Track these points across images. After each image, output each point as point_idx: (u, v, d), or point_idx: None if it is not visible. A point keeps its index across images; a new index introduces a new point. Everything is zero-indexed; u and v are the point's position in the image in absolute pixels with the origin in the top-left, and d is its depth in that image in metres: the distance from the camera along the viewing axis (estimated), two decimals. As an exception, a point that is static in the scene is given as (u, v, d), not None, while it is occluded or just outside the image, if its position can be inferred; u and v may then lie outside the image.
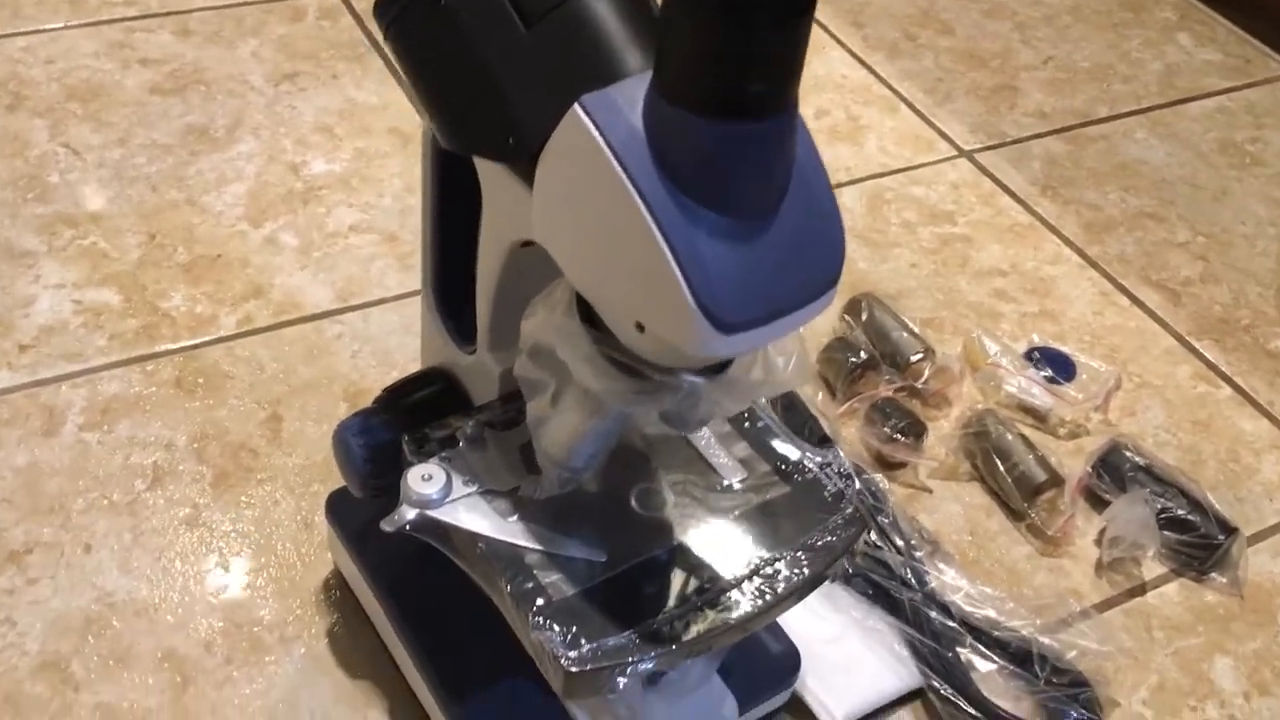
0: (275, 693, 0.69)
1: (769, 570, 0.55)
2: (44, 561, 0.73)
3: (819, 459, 0.60)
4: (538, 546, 0.53)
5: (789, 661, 0.68)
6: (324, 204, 0.99)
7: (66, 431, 0.80)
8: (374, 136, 1.06)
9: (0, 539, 0.74)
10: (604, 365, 0.48)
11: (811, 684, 0.70)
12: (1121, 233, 1.07)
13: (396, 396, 0.63)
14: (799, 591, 0.55)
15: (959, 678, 0.70)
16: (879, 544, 0.76)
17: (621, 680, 0.51)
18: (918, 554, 0.76)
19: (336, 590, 0.74)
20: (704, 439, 0.60)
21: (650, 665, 0.51)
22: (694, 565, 0.55)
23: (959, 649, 0.72)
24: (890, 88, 1.21)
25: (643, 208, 0.42)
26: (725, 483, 0.58)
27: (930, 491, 0.84)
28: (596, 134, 0.42)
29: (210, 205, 0.98)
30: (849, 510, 0.57)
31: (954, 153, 1.14)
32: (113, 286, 0.90)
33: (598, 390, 0.49)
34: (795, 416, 0.82)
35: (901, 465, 0.84)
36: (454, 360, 0.63)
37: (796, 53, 0.42)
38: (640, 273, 0.43)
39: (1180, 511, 0.80)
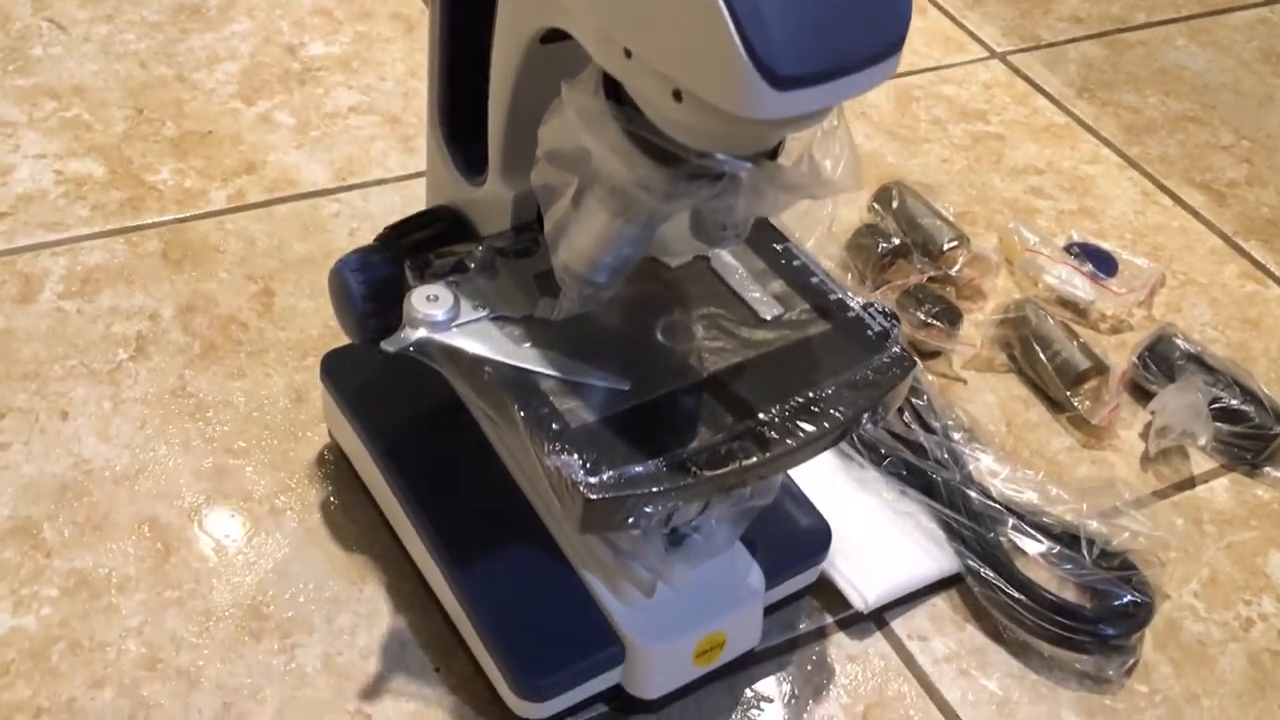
0: (265, 563, 0.63)
1: (807, 407, 0.49)
2: (17, 427, 0.68)
3: (860, 300, 0.54)
4: (554, 373, 0.48)
5: (819, 537, 0.63)
6: (322, 85, 0.94)
7: (44, 299, 0.75)
8: (376, 21, 1.01)
9: (-30, 404, 0.69)
10: (634, 152, 0.43)
11: (841, 565, 0.65)
12: (1163, 135, 1.02)
13: (399, 233, 0.58)
14: (840, 430, 0.50)
15: (1001, 560, 0.65)
16: (913, 425, 0.71)
17: (645, 513, 0.46)
18: (955, 436, 0.71)
19: (331, 464, 0.68)
20: (738, 274, 0.54)
21: (674, 501, 0.46)
22: (726, 399, 0.50)
23: (1000, 532, 0.66)
24: (918, -10, 1.15)
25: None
26: (760, 317, 0.53)
27: (965, 382, 0.79)
28: None
29: (201, 82, 0.92)
30: (895, 349, 0.52)
31: (986, 54, 1.08)
32: (96, 158, 0.85)
33: (627, 182, 0.44)
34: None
35: (935, 354, 0.79)
36: (463, 196, 0.58)
37: None
38: (683, 19, 0.38)
39: (1233, 402, 0.75)
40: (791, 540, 0.62)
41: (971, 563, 0.65)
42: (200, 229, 0.81)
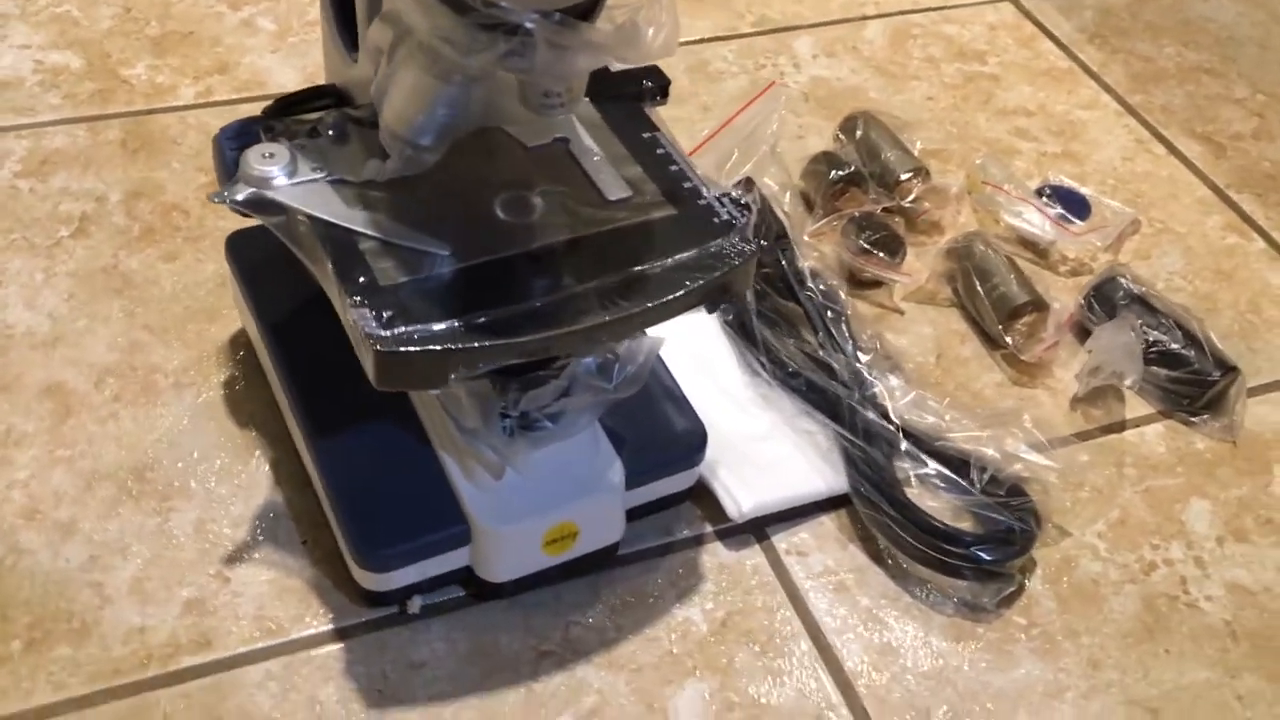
0: (157, 432, 0.65)
1: (629, 284, 0.49)
2: (-49, 291, 0.71)
3: (717, 190, 0.53)
4: (377, 235, 0.49)
5: (693, 440, 0.62)
6: (311, -6, 0.96)
7: (1, 176, 0.78)
8: (376, -63, 1.02)
9: (-88, 267, 0.72)
10: (433, 2, 0.43)
11: (723, 474, 0.64)
12: (1171, 84, 0.98)
13: (285, 106, 0.58)
14: (662, 310, 0.49)
15: (884, 480, 0.63)
16: (823, 345, 0.70)
17: (445, 376, 0.46)
18: (862, 359, 0.69)
19: (242, 346, 0.70)
20: (594, 157, 0.54)
21: (472, 362, 0.46)
22: (547, 271, 0.49)
23: (890, 454, 0.65)
24: (939, -71, 1.12)
25: None
26: (605, 198, 0.52)
27: (902, 313, 0.77)
28: None
29: (193, -14, 0.95)
30: (737, 237, 0.51)
31: (998, -4, 1.05)
32: (77, 51, 0.88)
33: (428, 34, 0.44)
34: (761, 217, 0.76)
35: (876, 285, 0.78)
36: (346, 75, 0.59)
37: None
38: None
39: (1174, 345, 0.72)
40: (662, 441, 0.61)
41: (857, 483, 0.64)
42: (162, 122, 0.83)
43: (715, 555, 0.64)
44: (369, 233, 0.49)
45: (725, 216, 0.52)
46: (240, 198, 0.49)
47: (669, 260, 0.50)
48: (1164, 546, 0.66)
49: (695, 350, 0.70)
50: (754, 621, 0.61)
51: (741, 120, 0.82)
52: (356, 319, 0.46)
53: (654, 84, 0.58)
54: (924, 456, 0.65)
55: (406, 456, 0.58)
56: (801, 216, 0.82)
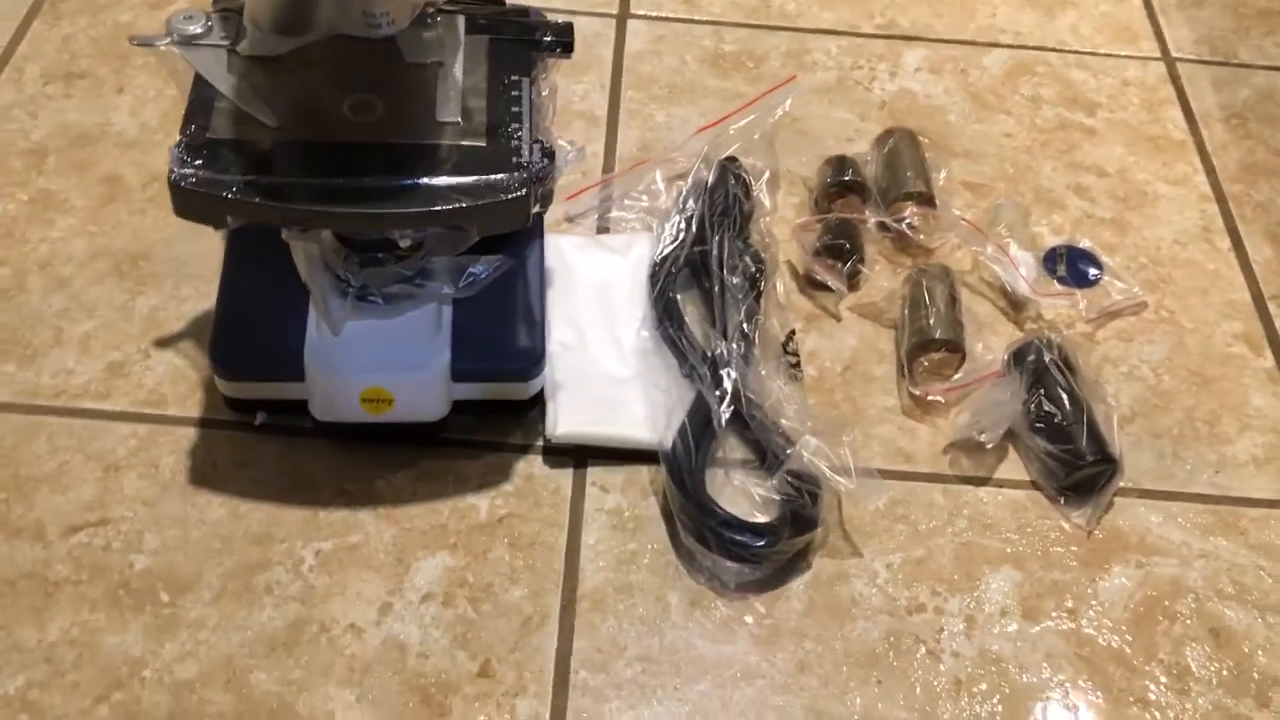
0: (165, 233, 0.80)
1: (405, 191, 0.57)
2: (88, 87, 0.89)
3: (536, 138, 0.60)
4: (228, 96, 0.60)
5: (528, 354, 0.69)
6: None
7: (169, 9, 0.95)
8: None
9: (70, 61, 0.90)
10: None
11: (560, 396, 0.71)
12: (1286, 183, 0.92)
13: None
14: (418, 217, 0.58)
15: (682, 453, 0.68)
16: (715, 313, 0.74)
17: (222, 218, 0.57)
18: (734, 346, 0.73)
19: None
20: (454, 84, 0.62)
21: (246, 214, 0.57)
22: (350, 165, 0.59)
23: (711, 429, 0.69)
24: (1140, -25, 1.08)
25: None
26: (436, 119, 0.61)
27: (838, 320, 0.80)
28: None
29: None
30: (519, 176, 0.58)
31: (1156, 55, 1.01)
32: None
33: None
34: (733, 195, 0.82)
35: (827, 289, 0.80)
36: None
37: None
38: None
39: (1061, 421, 0.71)
40: (498, 350, 0.69)
41: (672, 450, 0.69)
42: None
43: (530, 466, 0.71)
44: (225, 93, 0.60)
45: (524, 159, 0.59)
46: (157, 44, 0.61)
47: (448, 180, 0.58)
48: (945, 596, 0.67)
49: (612, 296, 0.77)
50: (526, 527, 0.68)
51: (754, 105, 0.86)
52: (170, 155, 0.57)
53: (557, 39, 0.65)
54: (740, 438, 0.70)
55: (287, 299, 0.69)
56: (800, 207, 0.86)
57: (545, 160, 0.60)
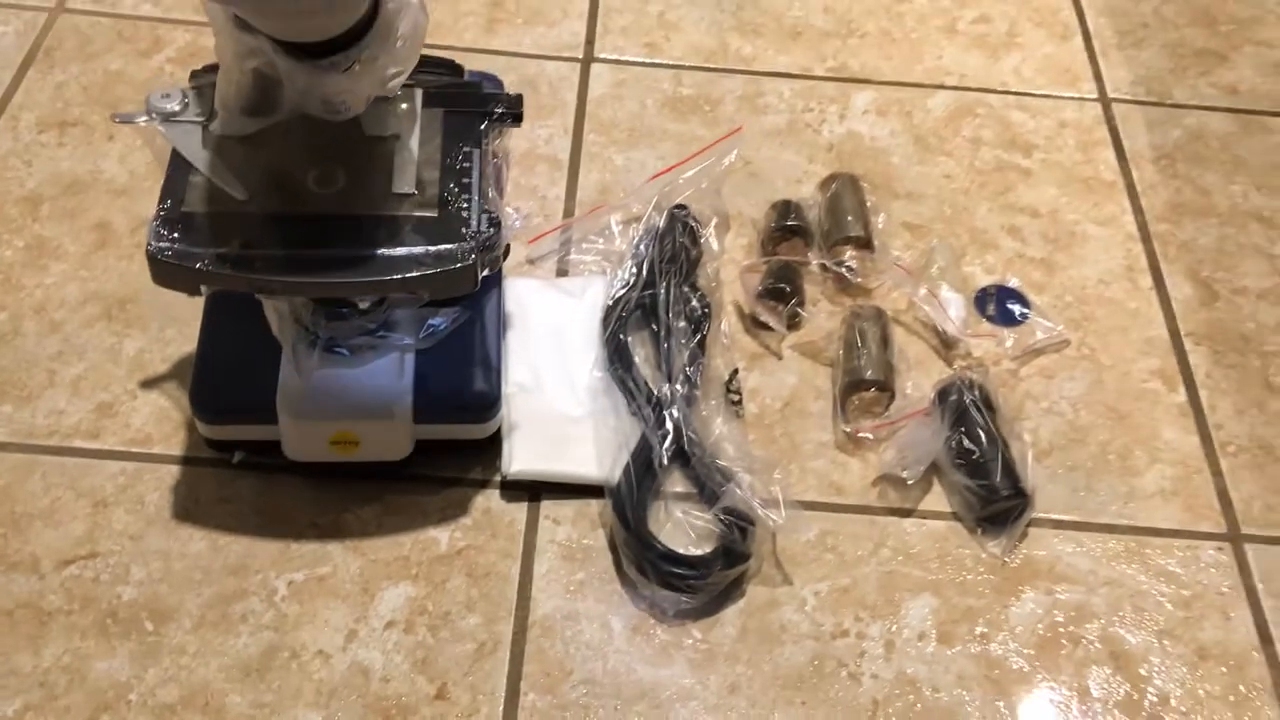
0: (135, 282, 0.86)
1: (364, 260, 0.63)
2: (79, 135, 0.94)
3: (486, 208, 0.66)
4: (202, 170, 0.65)
5: (485, 399, 0.75)
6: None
7: (157, 59, 1.01)
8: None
9: (63, 109, 0.96)
10: (223, 21, 0.59)
11: (515, 435, 0.77)
12: (1210, 224, 0.97)
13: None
14: (374, 286, 0.63)
15: (626, 490, 0.74)
16: (660, 361, 0.80)
17: (195, 287, 0.63)
18: (696, 375, 0.79)
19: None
20: (408, 155, 0.68)
21: (216, 284, 0.62)
22: (309, 236, 0.64)
23: (654, 463, 0.75)
24: (1081, 15, 1.13)
25: None
26: (392, 190, 0.66)
27: (780, 358, 0.85)
28: None
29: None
30: (467, 246, 0.64)
31: (1094, 96, 1.06)
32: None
33: (222, 38, 0.59)
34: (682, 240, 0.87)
35: (770, 328, 0.86)
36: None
37: None
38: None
39: (979, 458, 0.77)
40: (457, 395, 0.75)
41: (619, 485, 0.75)
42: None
43: (488, 500, 0.77)
44: (203, 170, 0.65)
45: (472, 229, 0.65)
46: (136, 120, 0.67)
47: (403, 250, 0.63)
48: (867, 622, 0.73)
49: (567, 338, 0.83)
50: (483, 558, 0.74)
51: (703, 155, 0.92)
52: (149, 229, 0.63)
53: (508, 110, 0.71)
54: (683, 473, 0.76)
55: (261, 348, 0.74)
56: (749, 248, 0.91)
57: (492, 230, 0.65)
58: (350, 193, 0.66)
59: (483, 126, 0.70)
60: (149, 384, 0.80)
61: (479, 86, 0.73)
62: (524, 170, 0.95)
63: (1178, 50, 1.12)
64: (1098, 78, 1.08)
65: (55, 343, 0.82)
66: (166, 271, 0.63)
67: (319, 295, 0.66)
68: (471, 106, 0.71)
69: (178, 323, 0.83)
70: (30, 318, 0.83)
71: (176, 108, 0.67)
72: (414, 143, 0.69)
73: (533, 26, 1.07)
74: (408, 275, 0.63)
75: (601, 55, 1.06)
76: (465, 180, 0.67)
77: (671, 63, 1.06)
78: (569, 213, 0.93)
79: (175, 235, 0.63)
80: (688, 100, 1.02)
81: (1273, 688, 0.72)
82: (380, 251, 0.64)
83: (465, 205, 0.66)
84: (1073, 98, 1.06)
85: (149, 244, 0.62)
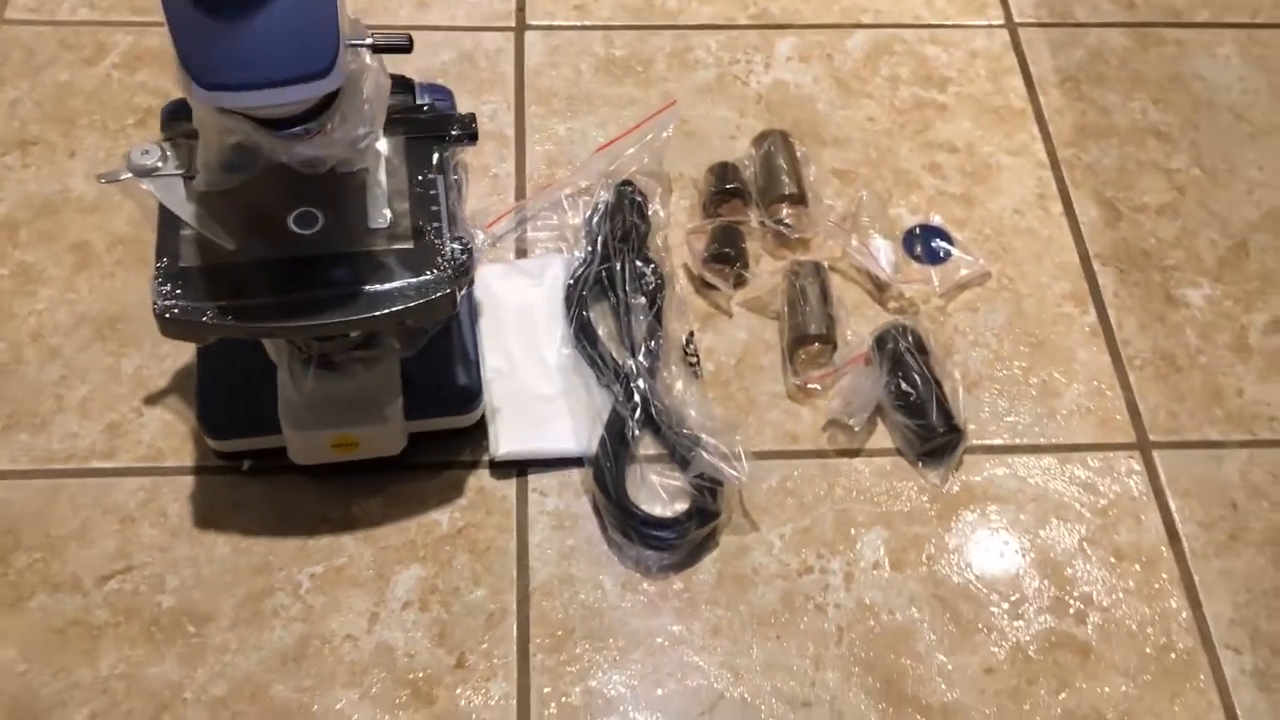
0: (136, 295, 0.91)
1: (350, 297, 0.69)
2: (41, 154, 0.98)
3: (456, 234, 0.72)
4: (191, 224, 0.71)
5: (468, 392, 0.83)
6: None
7: (103, 65, 1.04)
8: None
9: (21, 128, 0.99)
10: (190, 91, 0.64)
11: (499, 419, 0.84)
12: (1112, 143, 1.05)
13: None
14: (364, 322, 0.70)
15: (604, 461, 0.82)
16: (624, 335, 0.87)
17: (205, 338, 0.69)
18: (656, 346, 0.86)
19: (219, 238, 0.94)
20: (379, 190, 0.74)
21: (224, 334, 0.69)
22: (299, 277, 0.70)
23: (629, 431, 0.83)
24: (985, -59, 1.18)
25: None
26: (368, 225, 0.72)
27: (730, 316, 0.93)
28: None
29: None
30: (447, 274, 0.70)
31: (1000, 22, 1.13)
32: (193, -38, 1.11)
33: (203, 116, 0.65)
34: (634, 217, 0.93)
35: (718, 288, 0.93)
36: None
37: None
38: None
39: (916, 399, 0.85)
40: (440, 391, 0.82)
41: (600, 454, 0.83)
42: (233, 36, 1.06)
43: (480, 480, 0.85)
44: (191, 224, 0.71)
45: (446, 256, 0.71)
46: (120, 178, 0.72)
47: (385, 285, 0.70)
48: (827, 557, 0.83)
49: (533, 318, 0.90)
50: (482, 534, 0.82)
51: (643, 129, 0.97)
52: (151, 290, 0.68)
53: (462, 131, 0.76)
54: (657, 440, 0.84)
55: (259, 366, 0.81)
56: (692, 210, 0.98)
57: (465, 256, 0.71)
58: (330, 232, 0.72)
59: (443, 151, 0.76)
60: (152, 400, 0.86)
61: (434, 109, 0.78)
62: (474, 151, 1.00)
63: (1077, -34, 1.18)
64: (1003, 3, 1.14)
65: (56, 368, 0.87)
66: (174, 327, 0.69)
67: (314, 335, 0.72)
68: (429, 131, 0.76)
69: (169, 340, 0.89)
70: (29, 345, 0.88)
71: (156, 163, 0.72)
72: (382, 176, 0.74)
73: (463, -3, 1.11)
74: (392, 309, 0.69)
75: (533, 22, 1.10)
76: (434, 208, 0.73)
77: (601, 24, 1.10)
78: (520, 188, 0.99)
79: (177, 292, 0.68)
80: (620, 62, 1.07)
81: (1180, 579, 0.83)
82: (366, 287, 0.70)
83: (437, 233, 0.72)
84: (981, 25, 1.13)
85: (154, 302, 0.68)
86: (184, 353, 0.88)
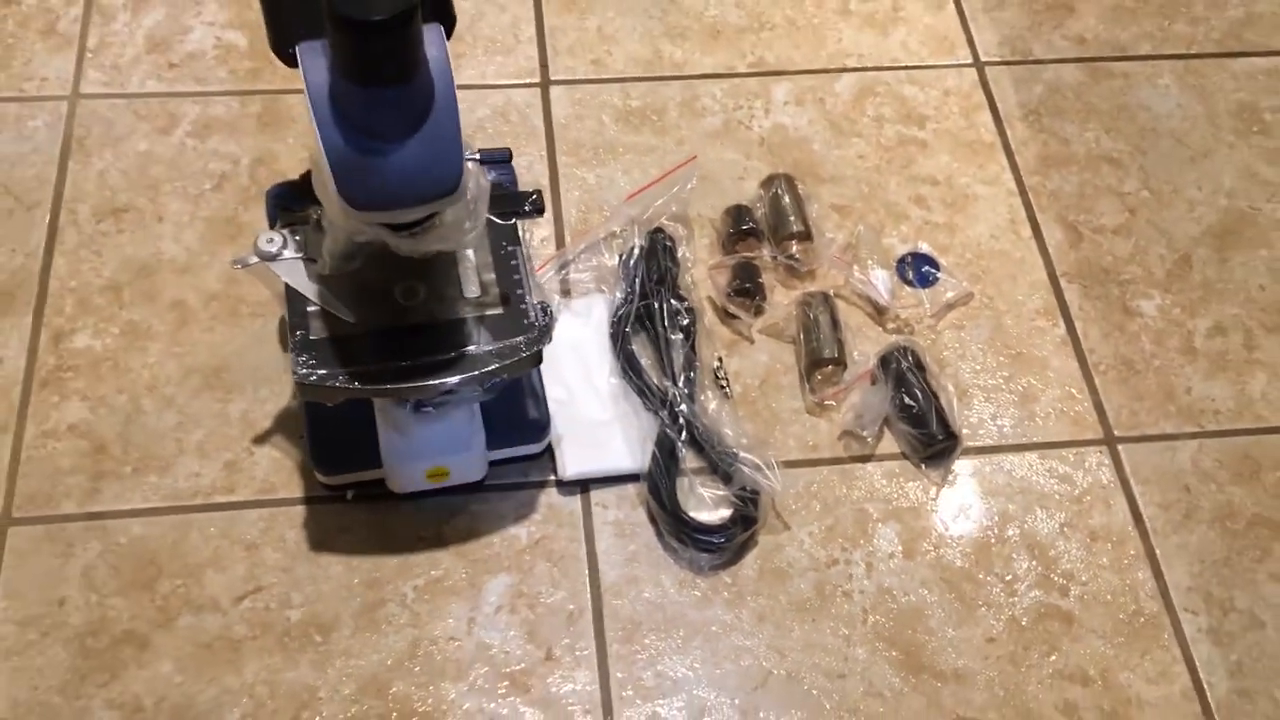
0: (235, 345, 1.04)
1: (459, 361, 0.83)
2: (133, 220, 1.10)
3: (537, 299, 0.86)
4: (316, 302, 0.84)
5: (538, 424, 0.97)
6: None
7: (177, 134, 1.16)
8: (484, -55, 1.31)
9: (112, 197, 1.11)
10: (340, 210, 0.77)
11: (564, 444, 0.98)
12: (1072, 170, 1.20)
13: (293, 189, 0.93)
14: (465, 382, 0.83)
15: (659, 469, 0.96)
16: (665, 365, 1.01)
17: (337, 399, 0.82)
18: (687, 378, 1.00)
19: (300, 291, 1.07)
20: (468, 264, 0.87)
21: (352, 395, 0.82)
22: (411, 344, 0.84)
23: (678, 450, 0.97)
24: (950, -15, 1.33)
25: (316, 127, 0.69)
26: (464, 295, 0.86)
27: (752, 342, 1.07)
28: (302, 74, 0.70)
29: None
30: (532, 338, 0.84)
31: (969, 61, 1.27)
32: (246, 30, 1.23)
33: (336, 217, 0.78)
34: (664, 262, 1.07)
35: (739, 318, 1.07)
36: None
37: (409, 47, 0.67)
38: (320, 167, 0.71)
39: (917, 410, 1.00)
40: (515, 424, 0.96)
41: (653, 469, 0.97)
42: (289, 100, 1.18)
43: (549, 497, 0.99)
44: (314, 300, 0.84)
45: (532, 319, 0.85)
46: (250, 263, 0.85)
47: (483, 348, 0.83)
48: (850, 550, 0.97)
49: (585, 353, 1.04)
50: (556, 544, 0.96)
51: (668, 180, 1.11)
52: (291, 360, 0.81)
53: (533, 208, 0.90)
54: (700, 457, 0.98)
55: (360, 409, 0.94)
56: (711, 246, 1.12)
57: (547, 317, 0.85)
58: (432, 302, 0.85)
59: (517, 225, 0.89)
60: (260, 439, 0.99)
61: (503, 188, 0.91)
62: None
63: (1032, 6, 1.32)
64: (970, 43, 1.29)
65: (173, 415, 1.00)
66: (311, 391, 0.82)
67: (427, 396, 0.86)
68: (506, 208, 0.89)
69: (268, 382, 1.02)
70: (146, 396, 1.01)
71: (278, 248, 0.85)
72: (470, 251, 0.87)
73: (492, 56, 1.23)
74: (489, 369, 0.83)
75: (557, 77, 1.23)
76: (516, 276, 0.87)
77: (617, 76, 1.23)
78: (559, 234, 1.12)
79: (312, 361, 0.82)
80: (637, 112, 1.21)
81: (1145, 555, 0.99)
82: (467, 350, 0.83)
83: (522, 299, 0.86)
84: (952, 65, 1.27)
85: (295, 371, 0.81)
86: (281, 397, 1.01)
